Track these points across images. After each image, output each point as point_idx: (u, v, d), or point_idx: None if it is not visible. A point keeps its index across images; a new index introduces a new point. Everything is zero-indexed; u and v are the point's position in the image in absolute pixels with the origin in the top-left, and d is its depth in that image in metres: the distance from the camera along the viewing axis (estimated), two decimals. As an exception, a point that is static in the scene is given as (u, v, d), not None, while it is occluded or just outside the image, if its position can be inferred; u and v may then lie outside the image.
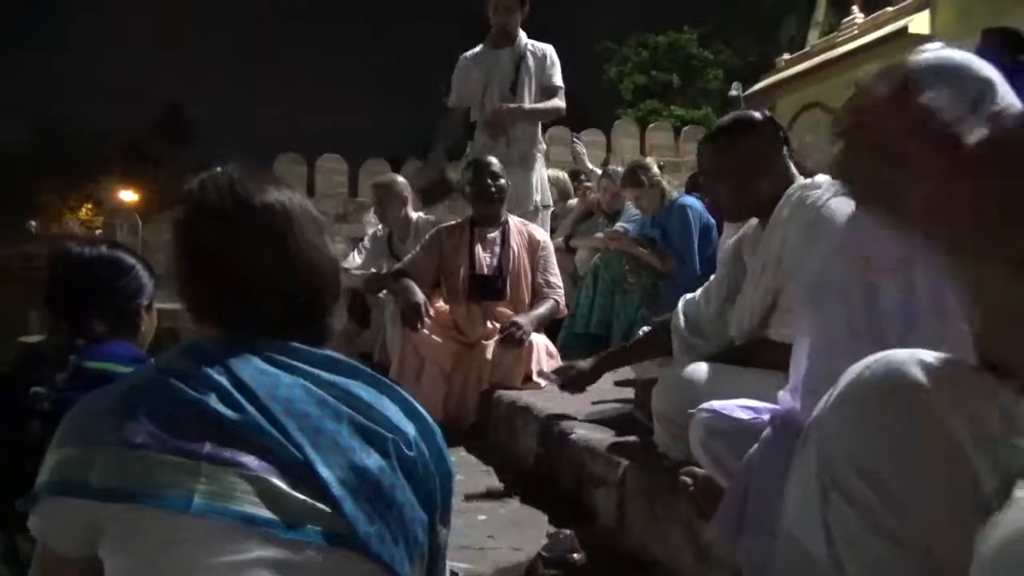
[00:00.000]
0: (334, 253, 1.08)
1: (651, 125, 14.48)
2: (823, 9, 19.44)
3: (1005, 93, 1.15)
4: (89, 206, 29.71)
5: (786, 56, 16.29)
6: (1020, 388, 0.78)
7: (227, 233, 1.00)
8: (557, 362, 3.52)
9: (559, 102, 4.30)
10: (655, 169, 4.53)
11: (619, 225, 4.73)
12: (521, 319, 3.38)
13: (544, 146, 4.48)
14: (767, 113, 2.07)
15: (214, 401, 0.90)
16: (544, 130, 4.54)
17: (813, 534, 0.84)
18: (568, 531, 1.92)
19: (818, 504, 0.83)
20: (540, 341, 3.45)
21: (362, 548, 0.88)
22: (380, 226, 4.83)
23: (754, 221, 2.07)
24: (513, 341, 3.31)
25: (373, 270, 4.44)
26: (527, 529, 2.15)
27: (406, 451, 0.96)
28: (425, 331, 3.34)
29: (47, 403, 1.36)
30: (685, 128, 14.53)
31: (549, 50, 4.31)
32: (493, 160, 3.69)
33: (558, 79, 4.30)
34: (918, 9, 12.49)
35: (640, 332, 2.51)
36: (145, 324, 1.64)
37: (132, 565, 0.87)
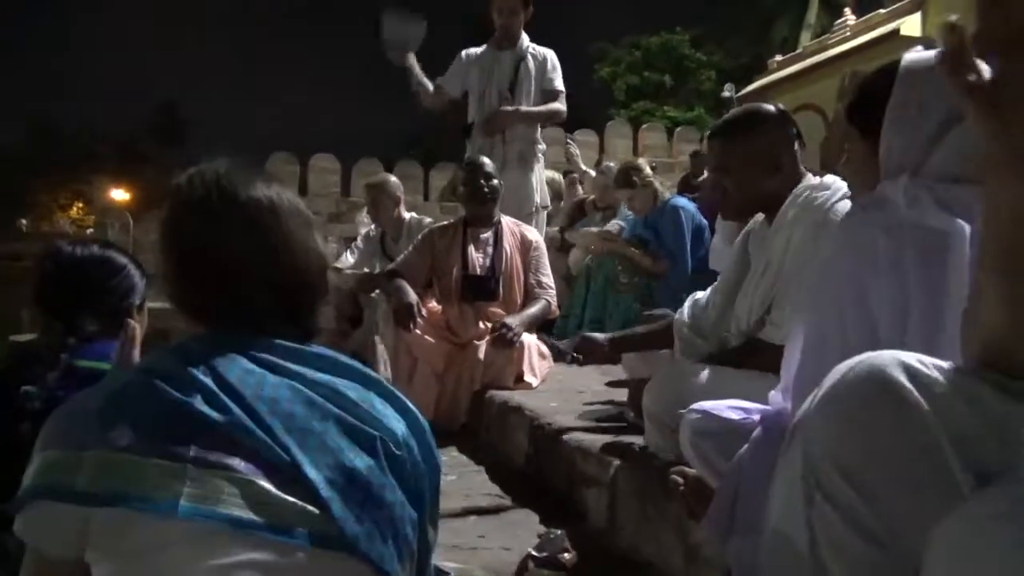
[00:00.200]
0: (322, 250, 1.07)
1: (644, 126, 14.53)
2: (815, 11, 19.51)
3: None
4: (80, 205, 29.56)
5: (779, 57, 16.34)
6: (1013, 390, 0.79)
7: (213, 227, 0.99)
8: (549, 363, 3.53)
9: (558, 106, 4.31)
10: (647, 170, 4.54)
11: (614, 223, 4.75)
12: (513, 320, 3.39)
13: (544, 147, 4.49)
14: (780, 107, 2.03)
15: (199, 403, 0.89)
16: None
17: (797, 534, 0.85)
18: (559, 531, 1.92)
19: (802, 505, 0.84)
20: (532, 341, 3.46)
21: (351, 548, 0.88)
22: (373, 226, 4.83)
23: (760, 218, 2.04)
24: (505, 342, 3.31)
25: (366, 270, 4.44)
26: (518, 529, 2.15)
27: (394, 450, 0.95)
28: (417, 331, 3.34)
29: (38, 402, 1.36)
30: (678, 129, 14.58)
31: (550, 54, 4.32)
32: (486, 161, 3.70)
33: (559, 83, 4.31)
34: (910, 11, 12.55)
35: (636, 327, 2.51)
36: (137, 323, 1.64)
37: (118, 569, 0.86)
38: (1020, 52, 0.63)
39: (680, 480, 1.58)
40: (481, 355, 3.34)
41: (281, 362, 0.95)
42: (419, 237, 3.79)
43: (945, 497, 0.75)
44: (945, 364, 0.83)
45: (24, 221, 25.67)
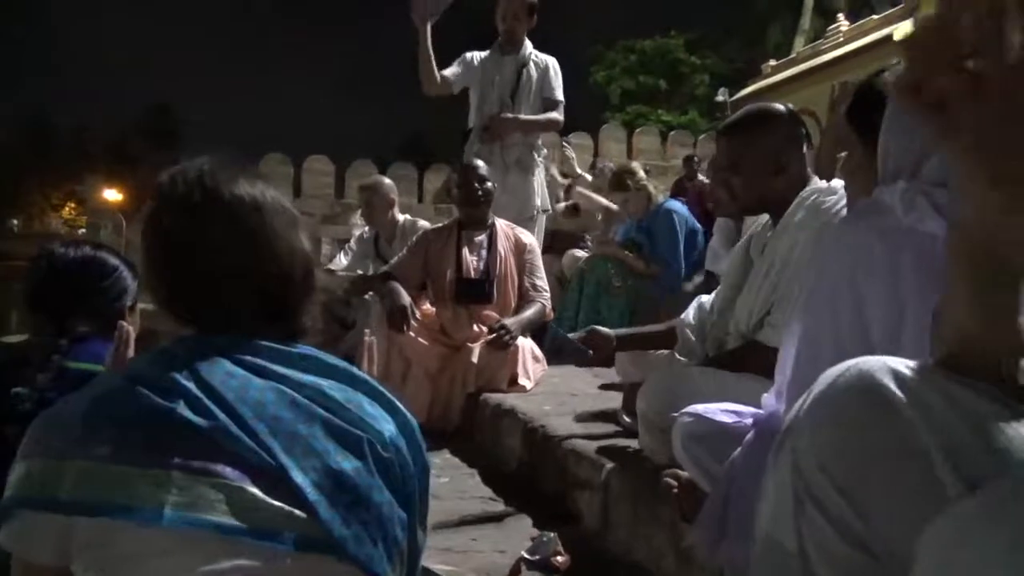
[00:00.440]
0: (308, 248, 1.05)
1: (638, 129, 14.56)
2: (809, 16, 19.62)
3: None
4: (73, 205, 29.47)
5: (772, 62, 16.42)
6: (986, 393, 0.79)
7: (195, 226, 0.97)
8: (543, 366, 3.53)
9: (556, 116, 4.32)
10: (641, 173, 4.56)
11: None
12: (508, 322, 3.39)
13: (546, 151, 4.50)
14: (790, 107, 2.01)
15: (182, 408, 0.87)
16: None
17: (787, 539, 0.85)
18: (552, 534, 1.92)
19: (791, 511, 0.84)
20: (526, 344, 3.46)
21: (339, 551, 0.87)
22: (367, 228, 4.83)
23: (763, 220, 2.03)
24: (499, 344, 3.31)
25: (359, 272, 4.44)
26: (511, 532, 2.15)
27: (382, 452, 0.94)
28: (411, 333, 3.34)
29: (29, 404, 1.35)
30: (672, 133, 14.63)
31: (552, 62, 4.33)
32: (480, 163, 3.70)
33: (559, 93, 4.31)
34: (902, 17, 12.64)
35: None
36: (129, 324, 1.63)
37: None
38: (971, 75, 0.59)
39: (673, 483, 1.58)
40: (475, 358, 3.34)
41: (266, 364, 0.94)
42: (413, 239, 3.79)
43: (934, 502, 0.75)
44: (935, 370, 0.83)
45: (15, 221, 25.57)
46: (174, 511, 0.83)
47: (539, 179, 4.39)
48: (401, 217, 4.57)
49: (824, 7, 19.51)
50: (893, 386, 0.81)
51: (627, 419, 2.37)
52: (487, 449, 3.02)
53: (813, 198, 1.87)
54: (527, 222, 4.13)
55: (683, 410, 1.60)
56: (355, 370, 1.01)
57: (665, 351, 2.32)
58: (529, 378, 3.36)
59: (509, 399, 3.07)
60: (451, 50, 4.28)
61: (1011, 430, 0.77)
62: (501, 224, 3.72)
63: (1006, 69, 0.54)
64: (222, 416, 0.87)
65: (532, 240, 3.81)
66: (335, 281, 4.56)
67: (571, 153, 7.00)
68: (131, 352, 1.34)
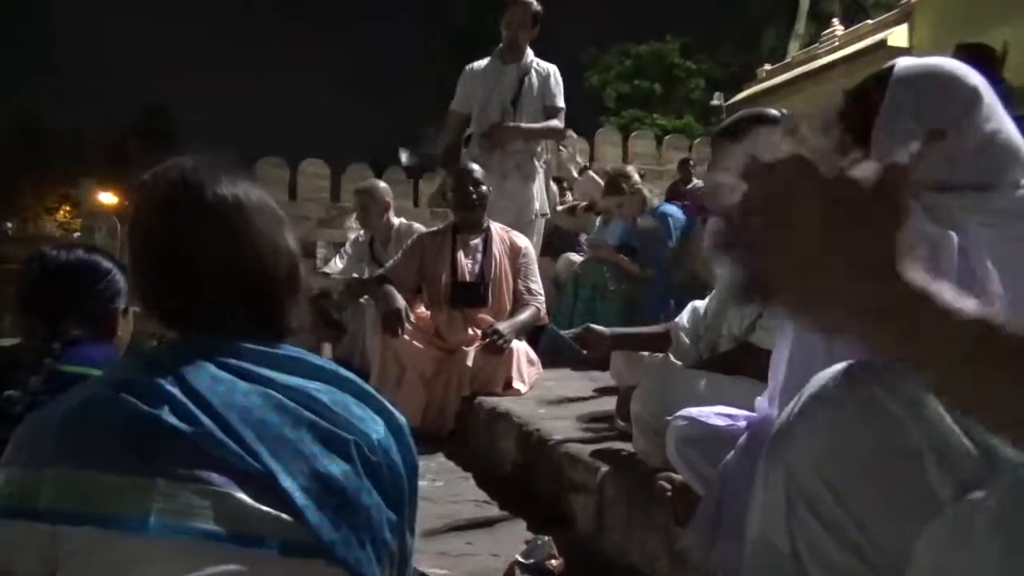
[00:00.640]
0: (293, 247, 1.03)
1: (633, 133, 14.58)
2: (804, 21, 19.69)
3: (991, 101, 1.17)
4: (68, 208, 29.41)
5: (767, 67, 16.47)
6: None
7: (177, 226, 0.96)
8: (538, 369, 3.53)
9: (557, 124, 4.38)
10: (636, 177, 4.57)
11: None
12: (502, 326, 3.39)
13: (548, 156, 4.54)
14: (784, 111, 2.06)
15: (166, 414, 0.85)
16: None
17: (779, 541, 0.85)
18: (546, 537, 1.92)
19: (784, 513, 0.84)
20: (521, 348, 3.46)
21: (327, 555, 0.86)
22: (362, 231, 4.83)
23: None
24: (494, 348, 3.31)
25: (355, 275, 4.44)
26: (505, 535, 2.15)
27: (369, 455, 0.93)
28: (406, 337, 3.34)
29: (20, 407, 1.35)
30: (667, 137, 14.65)
31: (553, 70, 4.38)
32: (475, 167, 3.71)
33: (560, 101, 4.37)
34: (897, 22, 12.69)
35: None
36: (122, 328, 1.63)
37: None
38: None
39: (667, 486, 1.58)
40: (470, 361, 3.33)
41: (251, 368, 0.92)
42: (408, 243, 3.79)
43: (926, 504, 0.76)
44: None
45: (10, 224, 25.50)
46: (159, 519, 0.81)
47: (539, 184, 4.43)
48: (396, 221, 4.57)
49: (819, 12, 19.60)
50: (884, 391, 0.81)
51: (621, 423, 2.37)
52: (482, 453, 3.02)
53: None
54: (527, 226, 4.16)
55: (677, 413, 1.60)
56: (342, 370, 1.00)
57: (659, 354, 2.32)
58: (524, 381, 3.36)
59: (504, 402, 3.07)
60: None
61: None
62: (496, 227, 3.72)
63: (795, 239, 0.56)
64: (207, 422, 0.86)
65: (527, 243, 3.82)
66: (331, 284, 4.56)
67: (570, 150, 6.91)
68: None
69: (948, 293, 0.56)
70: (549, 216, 4.80)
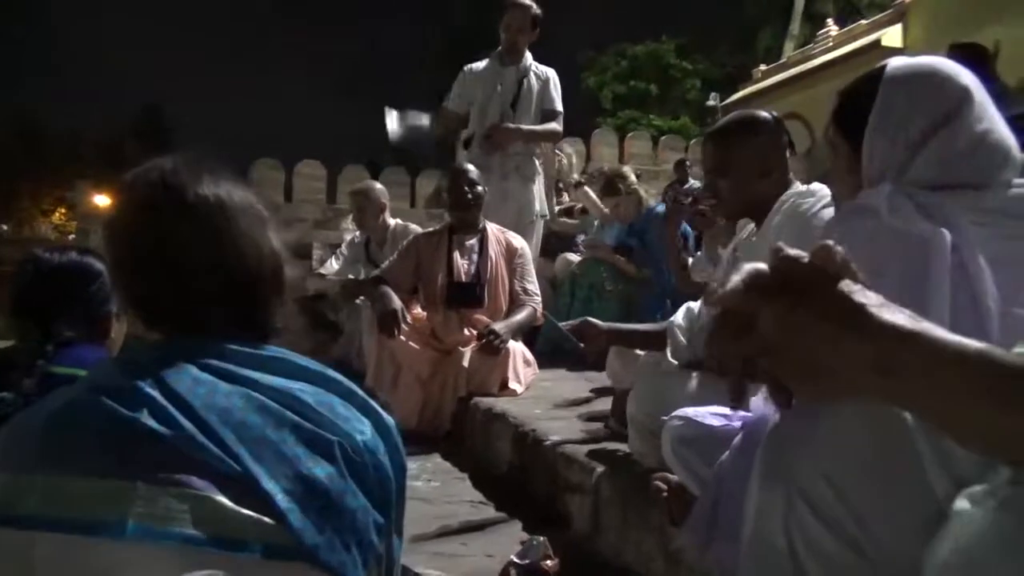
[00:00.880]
0: (277, 246, 1.02)
1: (630, 134, 14.59)
2: (799, 21, 19.71)
3: (983, 101, 1.17)
4: (63, 210, 29.34)
5: (763, 67, 16.49)
6: None
7: (158, 226, 0.95)
8: (534, 370, 3.53)
9: (556, 126, 4.40)
10: (632, 178, 4.59)
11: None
12: (498, 326, 3.38)
13: (542, 160, 4.56)
14: (774, 114, 2.08)
15: (146, 417, 0.84)
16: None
17: (776, 538, 0.85)
18: (542, 538, 1.92)
19: (781, 509, 0.84)
20: (517, 348, 3.46)
21: (311, 558, 0.85)
22: (358, 232, 4.83)
23: (750, 226, 2.07)
24: (490, 349, 3.31)
25: (351, 276, 4.44)
26: (501, 536, 2.15)
27: (353, 456, 0.91)
28: (402, 338, 3.33)
29: (12, 409, 1.34)
30: (663, 137, 14.66)
31: (552, 73, 4.41)
32: (470, 167, 3.71)
33: (558, 104, 4.39)
34: (891, 22, 12.72)
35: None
36: (115, 330, 1.63)
37: None
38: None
39: (663, 486, 1.58)
40: (466, 362, 3.33)
41: (234, 369, 0.91)
42: (404, 244, 3.79)
43: (924, 504, 0.76)
44: None
45: (5, 227, 25.44)
46: (137, 524, 0.80)
47: (538, 185, 4.45)
48: (392, 222, 4.57)
49: (813, 12, 19.62)
50: None
51: (617, 424, 2.37)
52: (477, 453, 3.01)
53: (791, 201, 1.92)
54: (527, 227, 4.18)
55: (672, 414, 1.60)
56: (328, 370, 0.98)
57: (655, 354, 2.32)
58: (520, 382, 3.36)
59: (500, 403, 3.07)
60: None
61: None
62: (492, 228, 3.72)
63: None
64: (188, 424, 0.85)
65: (523, 244, 3.82)
66: (327, 285, 4.56)
67: (569, 150, 6.92)
68: None
69: (926, 323, 0.60)
70: (548, 218, 4.81)
